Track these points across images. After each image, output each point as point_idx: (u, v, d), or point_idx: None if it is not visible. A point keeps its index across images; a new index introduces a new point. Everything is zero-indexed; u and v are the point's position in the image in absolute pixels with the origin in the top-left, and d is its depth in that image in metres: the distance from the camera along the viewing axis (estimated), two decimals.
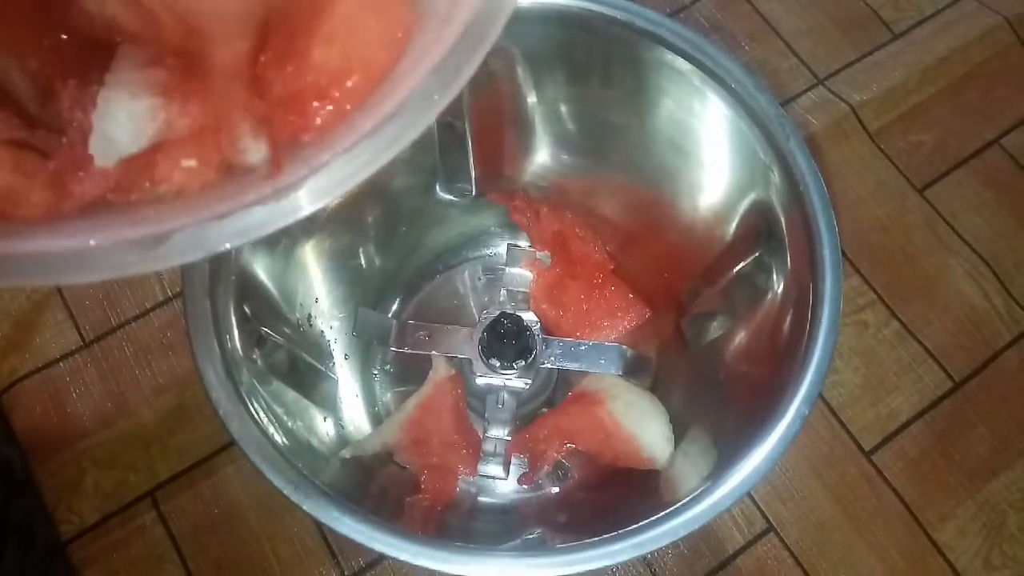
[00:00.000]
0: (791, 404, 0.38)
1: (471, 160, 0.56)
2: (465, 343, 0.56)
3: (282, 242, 0.50)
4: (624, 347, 0.55)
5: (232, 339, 0.42)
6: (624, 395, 0.54)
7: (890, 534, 0.62)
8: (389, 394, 0.61)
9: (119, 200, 0.25)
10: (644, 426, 0.52)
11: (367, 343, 0.60)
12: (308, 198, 0.25)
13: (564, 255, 0.59)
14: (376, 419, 0.59)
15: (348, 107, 0.26)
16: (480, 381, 0.55)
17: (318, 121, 0.26)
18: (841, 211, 0.71)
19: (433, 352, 0.56)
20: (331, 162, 0.25)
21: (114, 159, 0.25)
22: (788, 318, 0.43)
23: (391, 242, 0.60)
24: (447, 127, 0.53)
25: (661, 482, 0.49)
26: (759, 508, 0.62)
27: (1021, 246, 0.71)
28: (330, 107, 0.26)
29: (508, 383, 0.55)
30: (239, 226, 0.25)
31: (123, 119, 0.24)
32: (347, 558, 0.59)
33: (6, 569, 0.55)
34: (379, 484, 0.54)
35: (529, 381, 0.55)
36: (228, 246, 0.25)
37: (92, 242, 0.23)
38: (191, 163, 0.25)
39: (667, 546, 0.59)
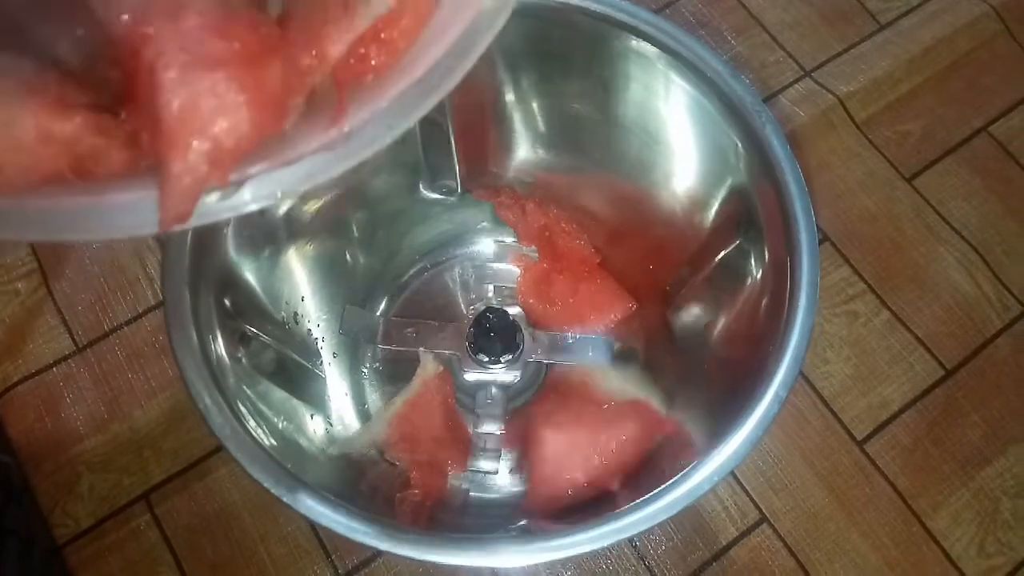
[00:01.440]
0: (769, 387, 0.38)
1: (455, 157, 0.56)
2: (452, 339, 0.56)
3: (266, 244, 0.51)
4: (611, 339, 0.55)
5: (215, 337, 0.42)
6: (615, 378, 0.54)
7: (884, 523, 0.61)
8: (378, 392, 0.62)
9: None
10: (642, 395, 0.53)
11: (354, 341, 0.60)
12: (364, 143, 0.26)
13: (551, 250, 0.59)
14: (365, 417, 0.60)
15: (402, 47, 0.27)
16: (469, 377, 0.55)
17: (374, 63, 0.27)
18: (829, 202, 0.72)
19: (421, 349, 0.56)
20: (385, 107, 0.26)
21: None
22: (768, 303, 0.43)
23: (376, 242, 0.61)
24: (431, 124, 0.53)
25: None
26: (752, 499, 0.62)
27: (1011, 233, 0.71)
28: (387, 49, 0.27)
29: (497, 378, 0.55)
30: (306, 170, 0.26)
31: None
32: (341, 557, 0.59)
33: (6, 573, 0.55)
34: (369, 481, 0.55)
35: (518, 375, 0.55)
36: (302, 189, 0.26)
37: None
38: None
39: (660, 538, 0.60)
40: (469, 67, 0.27)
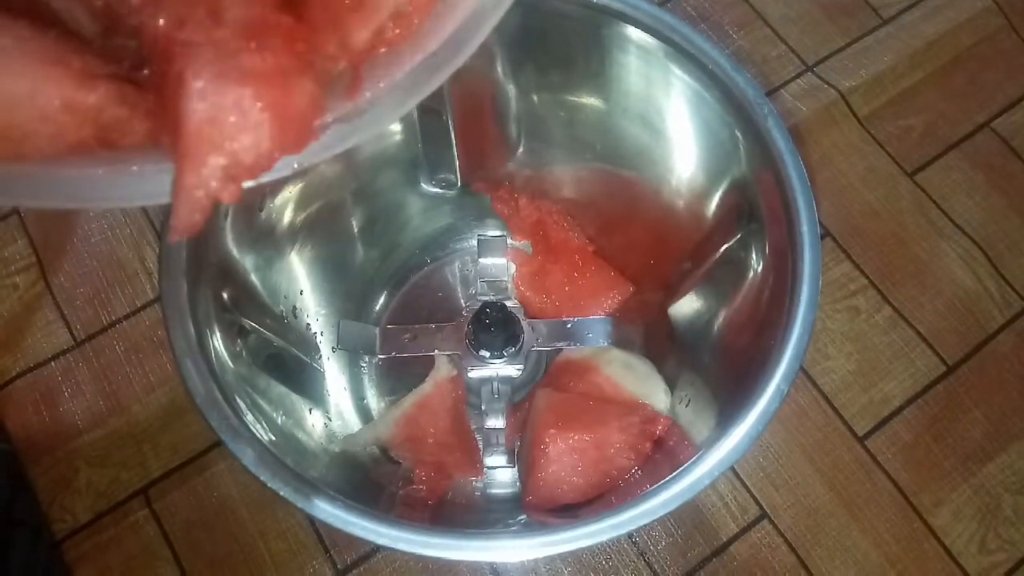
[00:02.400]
0: (771, 381, 0.38)
1: (455, 149, 0.56)
2: (452, 339, 0.55)
3: (265, 237, 0.50)
4: (609, 319, 0.55)
5: (212, 331, 0.42)
6: (618, 359, 0.54)
7: (884, 519, 0.61)
8: (377, 387, 0.61)
9: None
10: (645, 384, 0.52)
11: (353, 353, 0.60)
12: (378, 117, 0.27)
13: (544, 243, 0.59)
14: (364, 412, 0.59)
15: (416, 22, 0.27)
16: (472, 374, 0.55)
17: (389, 36, 0.27)
18: (831, 197, 0.71)
19: (435, 352, 0.56)
20: (399, 80, 0.26)
21: None
22: (769, 297, 0.43)
23: (376, 235, 0.60)
24: (431, 116, 0.53)
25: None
26: (752, 495, 0.62)
27: (1013, 228, 0.71)
28: (402, 23, 0.27)
29: (500, 372, 0.55)
30: (323, 142, 0.26)
31: None
32: (340, 552, 0.59)
33: (15, 563, 0.55)
34: (372, 479, 0.54)
35: (520, 367, 0.55)
36: (316, 160, 0.26)
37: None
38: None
39: (660, 534, 0.60)
40: (482, 39, 0.28)
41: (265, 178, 0.25)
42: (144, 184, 0.25)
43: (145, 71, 0.25)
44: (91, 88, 0.24)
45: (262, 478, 0.38)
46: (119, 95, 0.25)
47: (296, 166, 0.26)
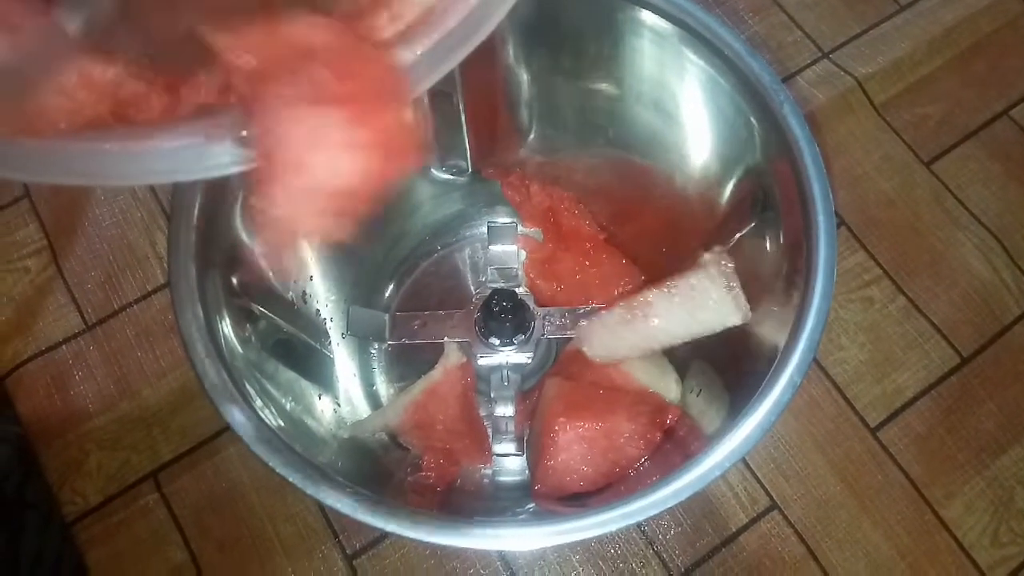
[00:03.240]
0: (783, 373, 0.37)
1: (466, 135, 0.55)
2: (461, 326, 0.55)
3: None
4: None
5: (222, 316, 0.42)
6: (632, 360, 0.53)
7: (896, 511, 0.61)
8: (387, 373, 0.61)
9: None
10: (655, 373, 0.52)
11: (363, 340, 0.59)
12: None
13: (555, 230, 0.59)
14: (374, 398, 0.59)
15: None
16: (482, 362, 0.55)
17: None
18: (847, 186, 0.71)
19: (444, 339, 0.55)
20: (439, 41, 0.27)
21: None
22: (783, 287, 0.42)
23: (386, 221, 0.60)
24: (442, 100, 0.52)
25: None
26: (762, 485, 0.61)
27: None
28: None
29: (510, 359, 0.55)
30: None
31: None
32: (348, 537, 0.59)
33: (26, 546, 0.56)
34: (381, 465, 0.54)
35: (531, 354, 0.54)
36: None
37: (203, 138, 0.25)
38: None
39: (668, 523, 0.59)
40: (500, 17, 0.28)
41: None
42: (156, 161, 0.25)
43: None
44: (109, 63, 0.24)
45: (271, 464, 0.38)
46: (137, 71, 0.25)
47: None
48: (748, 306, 0.45)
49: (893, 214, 0.70)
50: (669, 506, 0.36)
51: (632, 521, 0.36)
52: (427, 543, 0.36)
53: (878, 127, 0.73)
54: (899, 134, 0.73)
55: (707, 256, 0.47)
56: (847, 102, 0.73)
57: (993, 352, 0.65)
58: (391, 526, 0.36)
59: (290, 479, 0.37)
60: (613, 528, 0.36)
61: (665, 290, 0.48)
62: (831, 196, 0.40)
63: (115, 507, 0.60)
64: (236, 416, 0.38)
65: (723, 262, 0.46)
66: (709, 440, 0.39)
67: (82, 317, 0.65)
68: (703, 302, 0.46)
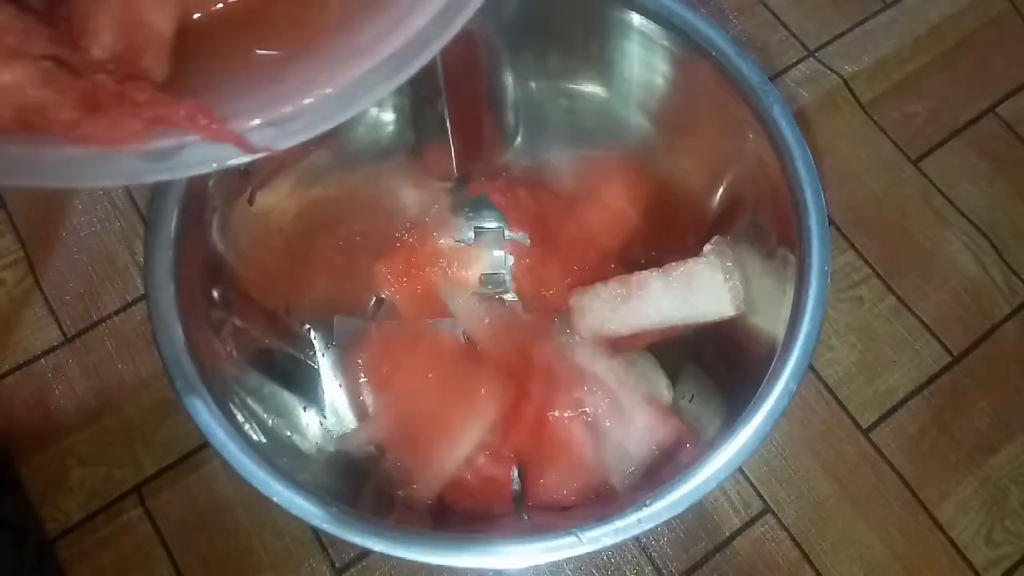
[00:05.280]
0: (779, 380, 0.37)
1: (451, 139, 0.54)
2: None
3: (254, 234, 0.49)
4: None
5: (202, 330, 0.41)
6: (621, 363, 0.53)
7: (890, 512, 0.60)
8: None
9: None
10: (646, 379, 0.52)
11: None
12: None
13: (543, 235, 0.58)
14: (360, 410, 0.58)
15: None
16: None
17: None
18: (834, 185, 0.70)
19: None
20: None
21: None
22: (774, 290, 0.42)
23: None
24: (426, 106, 0.52)
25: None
26: (755, 489, 0.61)
27: (1019, 216, 0.70)
28: None
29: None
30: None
31: None
32: (337, 550, 0.58)
33: (1, 564, 0.54)
34: (369, 480, 0.53)
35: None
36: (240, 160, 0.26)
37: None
38: None
39: (662, 529, 0.59)
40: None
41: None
42: (62, 167, 0.25)
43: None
44: (8, 66, 0.23)
45: (255, 485, 0.36)
46: (46, 79, 0.24)
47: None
48: (742, 299, 0.45)
49: (881, 213, 0.70)
50: (664, 519, 0.35)
51: (628, 535, 0.35)
52: (418, 563, 0.35)
53: (865, 125, 0.73)
54: (886, 132, 0.72)
55: (709, 246, 0.47)
56: (833, 101, 0.73)
57: (984, 350, 0.65)
58: (380, 547, 0.35)
59: (274, 499, 0.36)
60: (608, 543, 0.35)
61: (663, 271, 0.48)
62: (823, 200, 0.40)
63: (98, 523, 0.59)
64: (218, 435, 0.37)
65: (725, 252, 0.46)
66: (703, 447, 0.38)
67: (61, 329, 0.64)
68: (698, 287, 0.46)
